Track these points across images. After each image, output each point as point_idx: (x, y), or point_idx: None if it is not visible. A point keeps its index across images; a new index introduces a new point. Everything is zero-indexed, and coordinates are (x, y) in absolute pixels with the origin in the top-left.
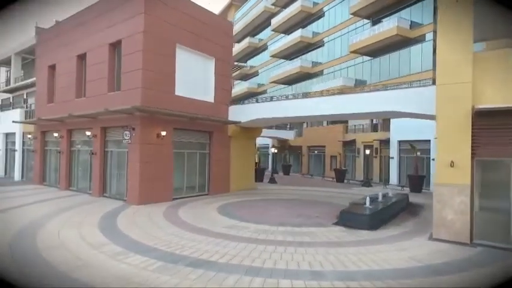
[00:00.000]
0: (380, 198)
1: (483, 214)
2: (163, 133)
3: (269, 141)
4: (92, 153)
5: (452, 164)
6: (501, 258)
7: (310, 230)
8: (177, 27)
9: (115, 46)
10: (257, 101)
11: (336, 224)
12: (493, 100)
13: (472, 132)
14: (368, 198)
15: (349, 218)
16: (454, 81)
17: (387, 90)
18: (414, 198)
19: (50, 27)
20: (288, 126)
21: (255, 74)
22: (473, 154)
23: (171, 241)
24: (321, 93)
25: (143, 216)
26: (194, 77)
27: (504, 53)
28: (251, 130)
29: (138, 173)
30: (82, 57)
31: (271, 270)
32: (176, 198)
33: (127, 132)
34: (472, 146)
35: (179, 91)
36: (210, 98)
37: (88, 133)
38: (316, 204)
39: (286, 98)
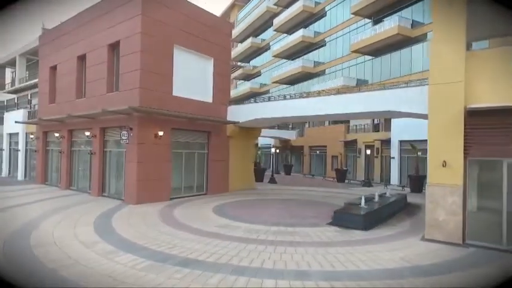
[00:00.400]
0: (376, 199)
1: (476, 214)
2: (161, 133)
3: (271, 141)
4: (92, 153)
5: (444, 164)
6: (493, 259)
7: (303, 230)
8: (175, 28)
9: (114, 47)
10: (255, 101)
11: (331, 224)
12: (487, 99)
13: (464, 131)
14: (362, 199)
15: (343, 218)
16: (446, 81)
17: (385, 89)
18: (413, 198)
19: (51, 29)
20: (290, 126)
21: (258, 74)
22: (465, 154)
23: (163, 240)
24: (318, 93)
25: (138, 216)
26: (192, 77)
27: (499, 51)
28: (250, 130)
29: (135, 172)
30: (82, 58)
31: (258, 269)
32: (174, 198)
33: (125, 133)
34: (464, 146)
35: (178, 91)
36: (208, 98)
37: (88, 133)
38: (314, 204)
39: (284, 98)
